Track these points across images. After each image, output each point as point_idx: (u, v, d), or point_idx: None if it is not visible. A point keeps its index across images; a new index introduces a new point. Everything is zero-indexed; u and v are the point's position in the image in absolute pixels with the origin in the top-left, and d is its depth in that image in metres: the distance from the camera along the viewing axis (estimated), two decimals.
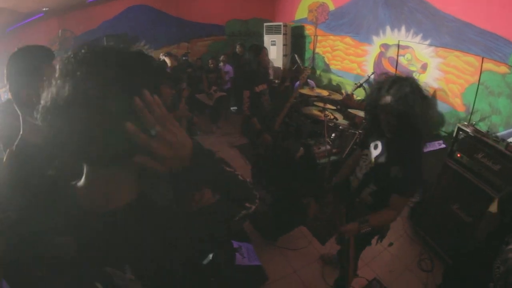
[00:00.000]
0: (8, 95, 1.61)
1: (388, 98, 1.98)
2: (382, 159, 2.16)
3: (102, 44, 0.83)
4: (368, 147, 2.31)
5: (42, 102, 0.76)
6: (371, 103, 2.15)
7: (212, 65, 7.90)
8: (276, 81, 6.82)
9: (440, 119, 4.88)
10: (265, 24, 8.74)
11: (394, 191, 2.04)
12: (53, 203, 0.88)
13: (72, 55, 0.78)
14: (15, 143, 1.46)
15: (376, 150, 2.23)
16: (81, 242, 0.82)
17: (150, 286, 0.89)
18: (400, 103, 1.91)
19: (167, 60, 6.19)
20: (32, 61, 1.44)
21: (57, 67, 0.77)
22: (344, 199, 2.49)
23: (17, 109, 1.48)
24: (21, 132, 1.49)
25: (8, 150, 1.47)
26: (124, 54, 0.81)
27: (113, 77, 0.75)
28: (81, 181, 0.87)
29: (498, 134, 3.76)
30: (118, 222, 0.85)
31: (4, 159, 1.47)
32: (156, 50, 8.70)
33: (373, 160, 2.23)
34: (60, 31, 7.63)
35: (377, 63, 6.14)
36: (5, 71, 1.42)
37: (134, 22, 8.30)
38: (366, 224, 2.00)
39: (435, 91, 4.87)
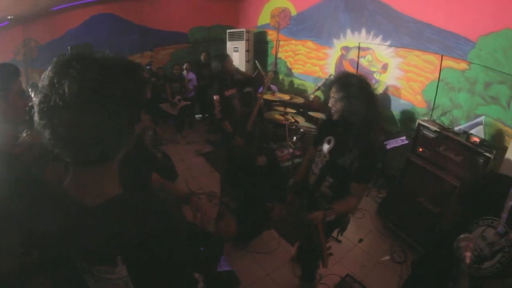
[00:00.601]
0: None
1: (334, 89, 2.19)
2: (335, 152, 2.30)
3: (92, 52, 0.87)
4: (321, 143, 2.44)
5: (36, 105, 0.78)
6: (326, 100, 2.35)
7: (177, 72, 7.85)
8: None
9: (391, 114, 5.10)
10: (227, 30, 8.76)
11: (352, 180, 2.19)
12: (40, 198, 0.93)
13: (65, 61, 0.80)
14: None
15: (329, 145, 2.36)
16: (69, 233, 0.85)
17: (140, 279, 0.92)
18: (344, 91, 2.12)
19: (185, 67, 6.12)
20: (3, 77, 1.59)
21: (48, 73, 0.79)
22: (304, 196, 2.58)
23: None
24: None
25: None
26: (118, 62, 0.87)
27: (106, 83, 0.79)
28: (69, 179, 0.91)
29: (461, 127, 3.97)
30: (106, 215, 0.88)
31: None
32: None
33: (327, 154, 2.36)
34: (23, 40, 7.34)
35: (338, 65, 6.30)
36: None
37: (98, 30, 8.09)
38: (331, 211, 2.05)
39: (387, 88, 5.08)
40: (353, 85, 2.11)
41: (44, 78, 0.78)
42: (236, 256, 3.50)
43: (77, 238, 0.85)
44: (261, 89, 6.43)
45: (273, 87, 6.66)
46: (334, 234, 2.68)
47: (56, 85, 0.75)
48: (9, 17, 6.61)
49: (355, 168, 2.15)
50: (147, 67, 7.35)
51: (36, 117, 0.78)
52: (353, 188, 2.18)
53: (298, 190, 2.67)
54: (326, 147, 2.37)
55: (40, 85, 0.79)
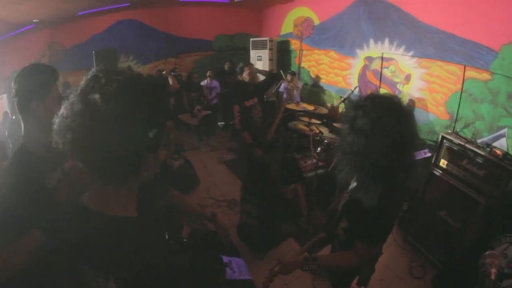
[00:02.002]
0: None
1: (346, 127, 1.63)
2: (355, 195, 1.83)
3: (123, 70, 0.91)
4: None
5: (64, 116, 0.83)
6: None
7: (195, 80, 7.78)
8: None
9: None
10: (251, 39, 8.86)
11: (358, 235, 1.71)
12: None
13: (99, 76, 0.84)
14: (15, 150, 1.58)
15: (354, 182, 1.91)
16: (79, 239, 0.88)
17: None
18: (355, 133, 1.57)
19: (170, 80, 6.17)
20: (42, 78, 1.56)
21: (80, 87, 0.84)
22: (328, 226, 2.19)
23: (21, 120, 1.58)
24: (22, 141, 1.59)
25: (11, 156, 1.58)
26: (148, 83, 0.90)
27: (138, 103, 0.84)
28: (90, 190, 0.96)
29: (483, 139, 3.86)
30: (112, 232, 0.91)
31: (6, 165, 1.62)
32: (144, 65, 8.73)
33: (350, 191, 1.93)
34: (48, 43, 7.61)
35: (362, 76, 6.26)
36: (13, 85, 1.54)
37: (123, 36, 8.33)
38: (314, 263, 1.67)
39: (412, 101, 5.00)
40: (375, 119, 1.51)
41: (76, 88, 0.83)
42: (254, 265, 3.48)
43: (85, 245, 0.88)
44: (284, 98, 6.48)
45: (295, 97, 6.67)
46: (354, 283, 2.14)
47: (87, 97, 0.79)
48: (35, 20, 6.86)
49: (365, 223, 1.64)
50: (172, 74, 7.43)
51: (59, 120, 0.82)
52: (355, 244, 1.69)
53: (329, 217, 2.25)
54: (353, 184, 1.91)
55: (71, 94, 0.83)
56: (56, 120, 0.84)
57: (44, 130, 1.51)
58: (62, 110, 0.83)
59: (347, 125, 1.60)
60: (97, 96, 0.78)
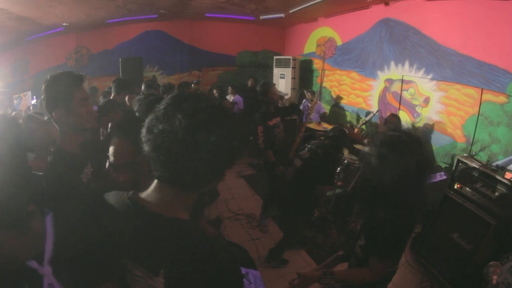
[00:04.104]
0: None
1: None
2: (373, 215, 1.87)
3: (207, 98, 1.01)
4: None
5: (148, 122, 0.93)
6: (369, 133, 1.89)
7: (217, 95, 7.86)
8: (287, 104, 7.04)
9: (431, 149, 4.95)
10: (275, 57, 8.99)
11: (371, 251, 1.77)
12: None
13: (182, 96, 0.96)
14: (54, 151, 1.79)
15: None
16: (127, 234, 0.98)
17: None
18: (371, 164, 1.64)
19: (215, 92, 6.33)
20: (66, 87, 1.72)
21: (165, 102, 0.94)
22: (347, 245, 2.33)
23: (55, 124, 1.77)
24: (58, 143, 1.80)
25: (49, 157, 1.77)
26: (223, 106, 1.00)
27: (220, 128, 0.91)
28: (149, 191, 1.03)
29: (498, 162, 3.82)
30: (170, 231, 0.98)
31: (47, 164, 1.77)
32: (169, 76, 9.01)
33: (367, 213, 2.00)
34: (76, 47, 7.96)
35: (382, 97, 6.28)
36: (42, 94, 1.72)
37: (149, 46, 8.66)
38: (331, 277, 1.77)
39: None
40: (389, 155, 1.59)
41: (161, 104, 0.92)
42: (270, 278, 3.53)
43: (133, 239, 0.98)
44: (305, 117, 6.55)
45: (313, 117, 6.71)
46: None
47: (170, 114, 0.87)
48: (64, 24, 7.18)
49: (379, 239, 1.69)
50: (193, 82, 7.59)
51: (144, 131, 0.92)
52: (371, 260, 1.76)
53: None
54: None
55: (156, 109, 0.93)
56: (145, 132, 0.92)
57: (75, 131, 1.79)
58: (152, 124, 0.90)
59: (372, 157, 1.64)
60: (179, 113, 0.86)
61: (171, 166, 0.89)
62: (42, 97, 1.72)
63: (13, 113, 6.24)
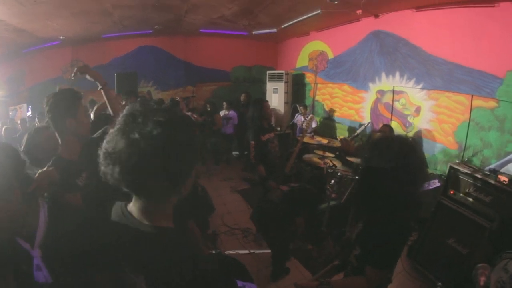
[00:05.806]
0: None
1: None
2: (367, 221, 1.94)
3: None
4: None
5: (109, 152, 0.93)
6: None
7: (210, 109, 7.98)
8: (278, 128, 7.06)
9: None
10: (267, 72, 9.07)
11: (368, 260, 1.78)
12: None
13: (153, 108, 0.99)
14: (52, 159, 1.92)
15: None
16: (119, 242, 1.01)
17: None
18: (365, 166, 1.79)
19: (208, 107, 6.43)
20: (71, 100, 2.01)
21: (119, 125, 0.97)
22: (342, 254, 2.26)
23: (58, 135, 2.01)
24: (58, 151, 2.01)
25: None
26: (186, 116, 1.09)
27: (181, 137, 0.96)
28: (132, 201, 1.07)
29: (491, 166, 3.92)
30: (153, 239, 1.01)
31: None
32: (163, 91, 9.05)
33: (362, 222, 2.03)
34: (71, 60, 7.99)
35: (374, 109, 6.36)
36: (46, 107, 1.95)
37: (144, 61, 8.73)
38: (328, 287, 1.76)
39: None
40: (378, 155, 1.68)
41: (129, 113, 0.94)
42: None
43: (116, 245, 1.00)
44: (298, 129, 6.57)
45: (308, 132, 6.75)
46: None
47: (129, 136, 0.89)
48: (61, 37, 7.26)
49: (374, 247, 1.71)
50: (184, 101, 7.65)
51: (104, 154, 0.93)
52: (367, 269, 1.77)
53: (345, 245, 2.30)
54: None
55: (121, 117, 0.95)
56: (101, 154, 0.94)
57: (79, 138, 2.04)
58: (106, 146, 0.93)
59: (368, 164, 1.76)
60: (137, 136, 0.88)
61: (129, 181, 0.92)
62: (47, 109, 1.94)
63: (4, 127, 6.24)
